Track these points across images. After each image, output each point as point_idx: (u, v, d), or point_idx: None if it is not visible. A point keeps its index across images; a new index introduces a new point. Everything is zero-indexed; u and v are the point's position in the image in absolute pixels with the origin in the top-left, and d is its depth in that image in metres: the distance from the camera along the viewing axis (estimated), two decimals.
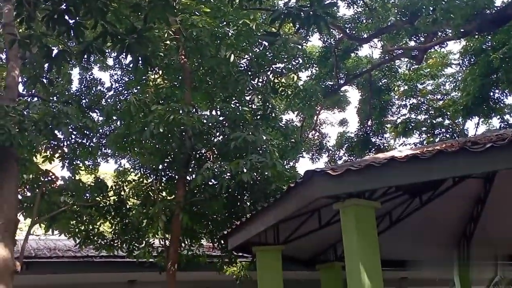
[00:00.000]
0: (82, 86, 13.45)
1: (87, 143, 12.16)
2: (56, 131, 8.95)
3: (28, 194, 10.93)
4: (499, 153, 5.09)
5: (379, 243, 6.35)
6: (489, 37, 16.22)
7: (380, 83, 21.44)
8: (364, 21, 18.90)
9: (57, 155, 10.96)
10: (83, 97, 13.18)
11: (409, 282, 15.12)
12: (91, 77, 13.69)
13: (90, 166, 13.39)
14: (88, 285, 12.32)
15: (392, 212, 9.60)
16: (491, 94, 16.87)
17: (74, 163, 12.01)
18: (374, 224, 6.50)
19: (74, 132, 10.72)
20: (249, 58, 12.28)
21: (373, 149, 21.42)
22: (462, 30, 15.23)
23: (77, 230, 11.08)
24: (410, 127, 21.12)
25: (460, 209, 10.40)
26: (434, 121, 21.29)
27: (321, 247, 10.45)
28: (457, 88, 20.98)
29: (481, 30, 15.43)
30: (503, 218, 9.97)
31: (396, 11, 17.57)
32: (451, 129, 21.25)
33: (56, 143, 10.56)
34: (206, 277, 12.06)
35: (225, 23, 11.19)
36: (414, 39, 18.52)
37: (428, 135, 21.09)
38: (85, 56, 5.67)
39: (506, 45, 14.14)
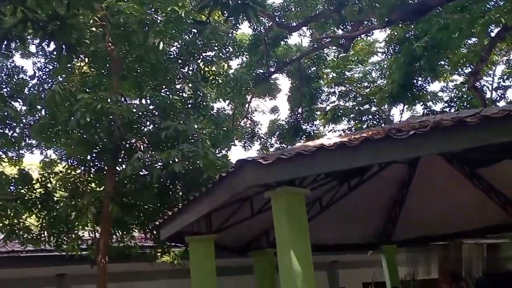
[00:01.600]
0: (3, 74, 12.83)
1: (10, 134, 11.66)
2: None
3: None
4: (422, 139, 5.30)
5: (309, 228, 6.48)
6: (412, 27, 16.79)
7: (310, 71, 21.79)
8: (293, 9, 19.09)
9: None
10: (4, 86, 12.58)
11: (339, 265, 15.57)
12: (13, 64, 13.08)
13: (14, 158, 12.85)
14: (15, 281, 11.90)
15: (322, 197, 9.82)
16: (415, 81, 17.50)
17: None
18: (304, 210, 6.61)
19: None
20: (178, 46, 12.13)
21: (304, 136, 21.80)
22: (386, 19, 15.68)
23: (1, 224, 10.64)
24: (339, 114, 21.62)
25: (387, 193, 10.80)
26: (362, 108, 21.90)
27: (253, 234, 10.55)
28: (383, 76, 21.65)
29: (405, 19, 15.96)
30: (425, 201, 10.43)
31: (324, 0, 17.86)
32: (377, 116, 21.94)
33: None
34: (138, 268, 11.92)
35: (153, 9, 10.98)
36: (342, 27, 18.91)
37: (356, 121, 21.68)
38: (5, 43, 5.41)
39: (427, 34, 14.68)
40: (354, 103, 22.25)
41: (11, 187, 10.96)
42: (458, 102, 18.93)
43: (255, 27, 19.30)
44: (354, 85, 22.61)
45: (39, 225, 11.10)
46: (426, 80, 17.95)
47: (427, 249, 15.31)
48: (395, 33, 18.25)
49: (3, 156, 12.09)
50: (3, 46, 5.47)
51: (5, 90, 12.44)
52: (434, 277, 14.60)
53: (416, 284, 15.56)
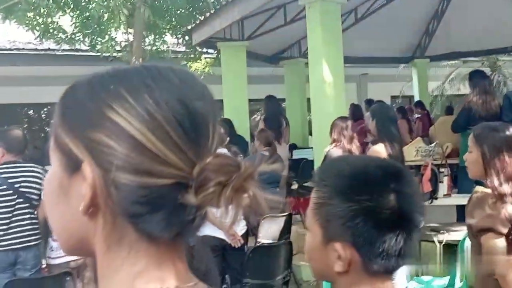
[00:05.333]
0: None
1: None
2: None
3: None
4: None
5: (343, 39, 6.40)
6: None
7: None
8: None
9: None
10: None
11: (369, 78, 15.64)
12: None
13: None
14: (52, 78, 12.35)
15: (357, 9, 9.52)
16: None
17: None
18: (339, 20, 6.48)
19: None
20: None
21: None
22: None
23: (35, 22, 10.70)
24: None
25: (425, 6, 10.36)
26: None
27: (285, 44, 10.49)
28: None
29: None
30: (465, 16, 10.02)
31: None
32: None
33: None
34: None
35: None
36: None
37: None
38: None
39: None
40: None
41: None
42: None
43: None
44: None
45: (73, 25, 11.14)
46: None
47: (461, 65, 15.19)
48: None
49: None
50: None
51: None
52: (463, 92, 14.70)
53: (445, 98, 15.76)
